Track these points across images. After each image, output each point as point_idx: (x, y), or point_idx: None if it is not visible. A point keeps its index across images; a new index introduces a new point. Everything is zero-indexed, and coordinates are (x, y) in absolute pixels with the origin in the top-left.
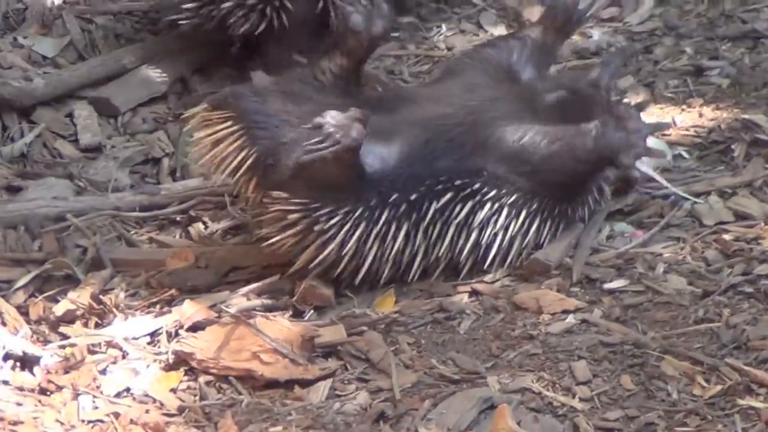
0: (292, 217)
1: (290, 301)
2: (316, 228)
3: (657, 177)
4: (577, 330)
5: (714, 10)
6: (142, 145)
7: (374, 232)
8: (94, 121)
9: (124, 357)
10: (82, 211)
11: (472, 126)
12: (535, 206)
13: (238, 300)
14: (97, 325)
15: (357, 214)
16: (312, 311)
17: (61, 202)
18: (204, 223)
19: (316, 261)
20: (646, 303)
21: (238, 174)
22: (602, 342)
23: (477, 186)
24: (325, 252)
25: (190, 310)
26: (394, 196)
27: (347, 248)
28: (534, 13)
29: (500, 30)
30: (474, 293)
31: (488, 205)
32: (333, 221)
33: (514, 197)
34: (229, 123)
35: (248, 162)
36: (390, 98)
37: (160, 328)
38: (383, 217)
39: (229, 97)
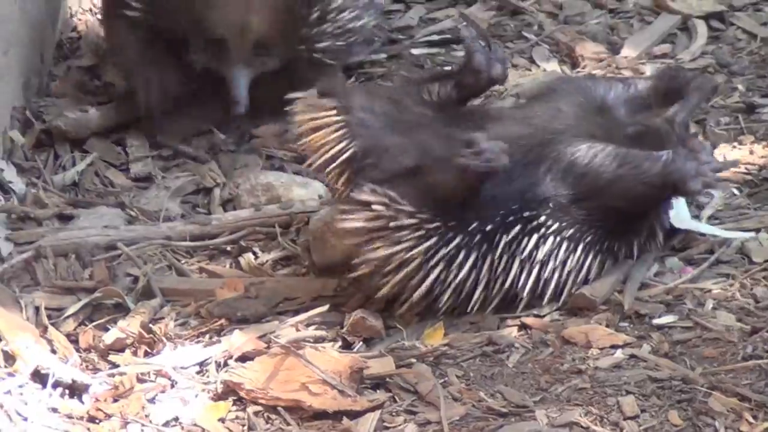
0: (379, 221)
1: (340, 332)
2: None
3: (705, 229)
4: (625, 365)
5: (766, 48)
6: (194, 175)
7: (443, 254)
8: (146, 150)
9: (173, 386)
10: (133, 240)
11: (546, 147)
12: (590, 239)
13: (288, 330)
14: (146, 354)
15: (449, 236)
16: (361, 343)
17: (112, 231)
18: (254, 253)
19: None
20: (695, 339)
21: (333, 165)
22: (650, 377)
23: (542, 218)
24: (410, 263)
25: (239, 340)
26: (473, 224)
27: (431, 265)
28: (586, 48)
29: (553, 65)
30: (523, 327)
31: (551, 240)
32: (436, 234)
33: (572, 230)
34: (334, 112)
35: (345, 155)
36: (479, 115)
37: (209, 358)
38: (455, 242)
39: (339, 87)
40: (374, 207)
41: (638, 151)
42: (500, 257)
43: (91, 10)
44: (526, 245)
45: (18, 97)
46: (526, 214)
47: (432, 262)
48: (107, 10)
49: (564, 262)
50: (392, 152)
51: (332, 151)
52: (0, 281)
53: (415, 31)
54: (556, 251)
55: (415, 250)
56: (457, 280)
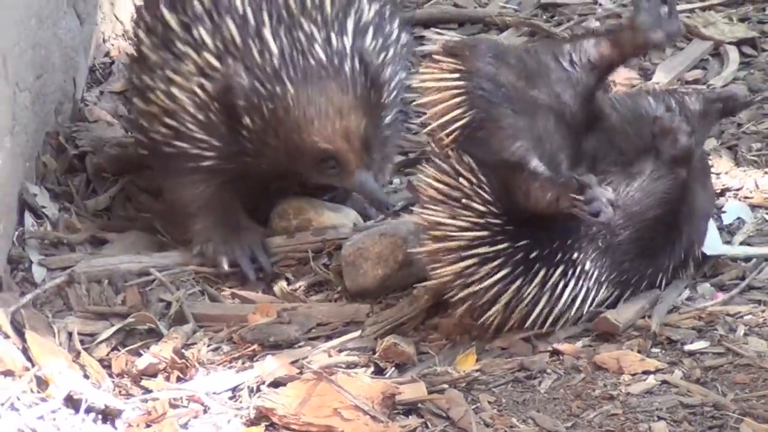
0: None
1: (372, 357)
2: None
3: (737, 251)
4: (657, 391)
5: None
6: None
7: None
8: None
9: (205, 411)
10: (165, 266)
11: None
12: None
13: (320, 356)
14: (179, 379)
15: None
16: (393, 368)
17: (145, 257)
18: (287, 278)
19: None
20: (726, 365)
21: (444, 129)
22: (682, 403)
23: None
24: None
25: (272, 365)
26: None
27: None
28: (618, 74)
29: None
30: (555, 353)
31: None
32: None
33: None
34: (456, 76)
35: (459, 123)
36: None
37: (242, 383)
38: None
39: (467, 49)
40: (460, 180)
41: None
42: (558, 277)
43: (123, 35)
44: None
45: (51, 122)
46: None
47: (482, 269)
48: (166, 166)
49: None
50: (504, 134)
51: (448, 116)
52: (33, 306)
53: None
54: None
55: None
56: (509, 293)
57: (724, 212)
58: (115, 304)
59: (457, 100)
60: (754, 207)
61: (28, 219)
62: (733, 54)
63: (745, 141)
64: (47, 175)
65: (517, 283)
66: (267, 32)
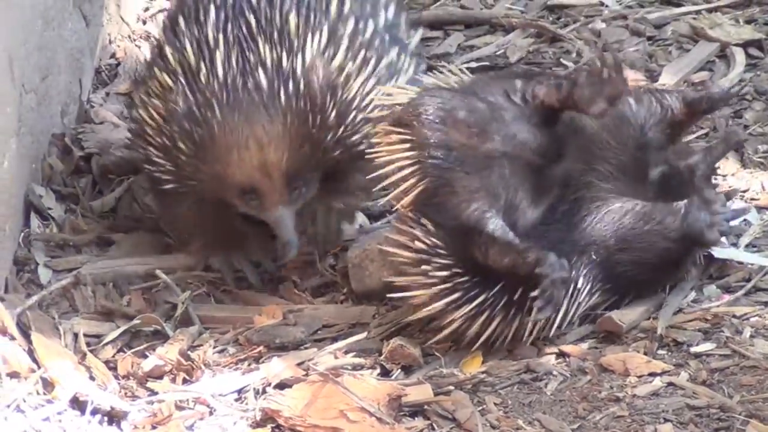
0: (425, 267)
1: (378, 359)
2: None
3: (743, 257)
4: (663, 393)
5: None
6: None
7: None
8: None
9: (211, 413)
10: (171, 268)
11: (579, 201)
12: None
13: (326, 358)
14: (185, 381)
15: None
16: (399, 370)
17: (150, 259)
18: (293, 281)
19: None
20: (733, 367)
21: (402, 198)
22: (688, 405)
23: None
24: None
25: (278, 367)
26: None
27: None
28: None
29: None
30: (561, 354)
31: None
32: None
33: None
34: (407, 146)
35: (415, 191)
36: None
37: (247, 385)
38: (479, 299)
39: (413, 118)
40: (416, 243)
41: (661, 205)
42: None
43: (129, 36)
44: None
45: (57, 124)
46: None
47: (456, 313)
48: (151, 186)
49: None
50: (459, 199)
51: (403, 185)
52: (39, 308)
53: (454, 58)
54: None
55: (440, 303)
56: (477, 328)
57: None
58: (121, 306)
59: (410, 170)
60: (760, 209)
61: (34, 220)
62: (739, 56)
63: (751, 143)
64: (53, 176)
65: (496, 322)
66: (219, 54)
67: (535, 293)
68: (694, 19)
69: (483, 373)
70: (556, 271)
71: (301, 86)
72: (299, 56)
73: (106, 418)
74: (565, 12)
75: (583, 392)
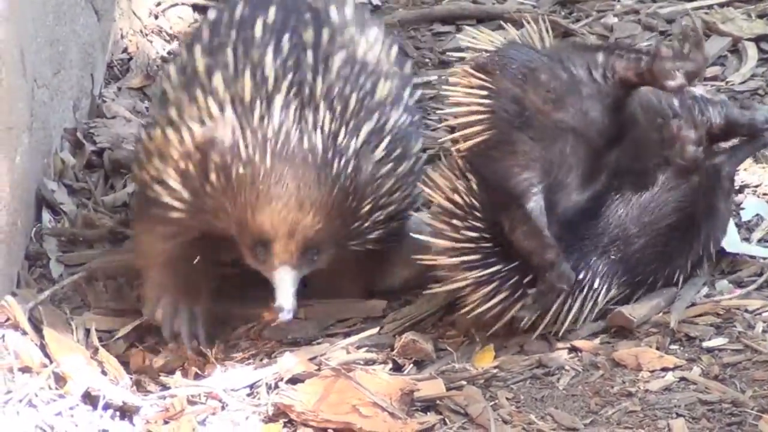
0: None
1: (390, 354)
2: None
3: (756, 251)
4: (675, 388)
5: None
6: None
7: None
8: None
9: (223, 408)
10: None
11: (615, 194)
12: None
13: (338, 353)
14: (197, 376)
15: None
16: (411, 365)
17: None
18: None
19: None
20: (745, 362)
21: (462, 142)
22: (701, 400)
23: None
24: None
25: (290, 362)
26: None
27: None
28: None
29: None
30: (573, 349)
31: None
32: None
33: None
34: (484, 93)
35: (476, 139)
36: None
37: (260, 380)
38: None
39: (498, 67)
40: (454, 195)
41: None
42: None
43: (141, 31)
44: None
45: (69, 119)
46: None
47: (467, 274)
48: (142, 210)
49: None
50: (515, 161)
51: (468, 130)
52: (51, 303)
53: (466, 54)
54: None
55: (457, 260)
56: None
57: (742, 209)
58: (133, 301)
59: (480, 117)
60: None
61: (46, 215)
62: (751, 50)
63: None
64: (65, 171)
65: (500, 297)
66: (278, 100)
67: (531, 290)
68: (706, 13)
69: (495, 368)
70: (560, 282)
71: (350, 167)
72: (354, 138)
73: (118, 413)
74: (577, 7)
75: (595, 387)
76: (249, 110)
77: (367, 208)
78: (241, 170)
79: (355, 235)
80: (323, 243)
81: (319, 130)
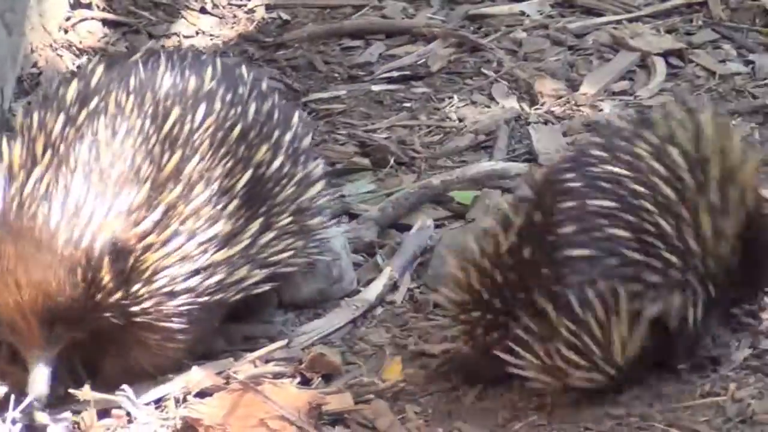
0: None
1: (298, 368)
2: None
3: None
4: (583, 401)
5: (725, 85)
6: None
7: None
8: None
9: (131, 422)
10: None
11: None
12: None
13: (246, 366)
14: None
15: None
16: (320, 379)
17: None
18: None
19: None
20: (653, 376)
21: None
22: (608, 414)
23: None
24: None
25: (198, 375)
26: None
27: None
28: (545, 85)
29: (512, 102)
30: None
31: None
32: None
33: None
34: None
35: None
36: None
37: (168, 394)
38: None
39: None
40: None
41: None
42: None
43: (51, 45)
44: None
45: None
46: None
47: None
48: None
49: None
50: None
51: None
52: None
53: (375, 68)
54: None
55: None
56: None
57: None
58: None
59: None
60: None
61: None
62: (660, 65)
63: None
64: None
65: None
66: (37, 170)
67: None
68: (615, 28)
69: (403, 381)
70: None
71: (84, 239)
72: (102, 204)
73: (26, 429)
74: (486, 22)
75: (503, 401)
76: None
77: (107, 278)
78: None
79: (108, 308)
80: (64, 318)
81: (57, 197)
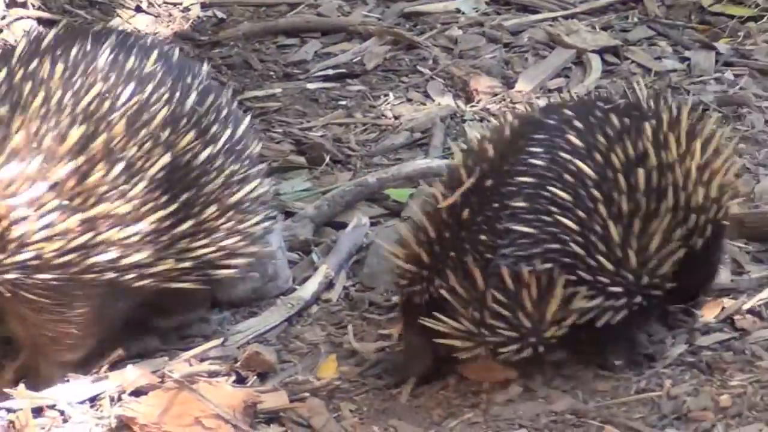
0: None
1: (233, 366)
2: None
3: None
4: (519, 398)
5: (661, 82)
6: None
7: None
8: None
9: (66, 421)
10: None
11: None
12: None
13: (181, 365)
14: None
15: None
16: (255, 377)
17: None
18: None
19: None
20: (588, 373)
21: None
22: (544, 411)
23: None
24: None
25: (133, 374)
26: None
27: None
28: (480, 82)
29: (447, 99)
30: None
31: None
32: None
33: None
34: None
35: None
36: None
37: (102, 392)
38: None
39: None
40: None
41: None
42: None
43: None
44: None
45: None
46: None
47: None
48: None
49: None
50: None
51: None
52: None
53: (311, 66)
54: None
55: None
56: None
57: None
58: None
59: None
60: None
61: None
62: (595, 62)
63: None
64: None
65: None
66: None
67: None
68: (551, 26)
69: (338, 379)
70: None
71: None
72: None
73: None
74: (422, 19)
75: (438, 399)
76: None
77: None
78: None
79: None
80: None
81: None
